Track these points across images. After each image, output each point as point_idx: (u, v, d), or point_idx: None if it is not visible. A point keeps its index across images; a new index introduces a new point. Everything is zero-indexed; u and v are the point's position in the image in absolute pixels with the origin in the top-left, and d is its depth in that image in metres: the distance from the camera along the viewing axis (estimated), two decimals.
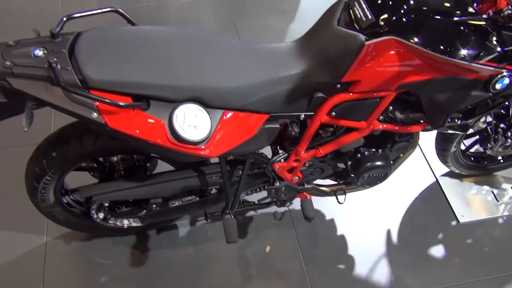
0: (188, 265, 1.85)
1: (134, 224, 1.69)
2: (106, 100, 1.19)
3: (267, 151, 1.60)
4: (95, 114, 1.21)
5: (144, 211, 1.64)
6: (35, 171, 1.51)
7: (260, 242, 1.93)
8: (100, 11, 1.38)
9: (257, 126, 1.39)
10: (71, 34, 1.29)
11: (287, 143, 1.60)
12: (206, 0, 2.99)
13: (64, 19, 1.31)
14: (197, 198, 1.68)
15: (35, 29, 1.36)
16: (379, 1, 1.32)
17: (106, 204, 1.64)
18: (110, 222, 1.68)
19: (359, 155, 1.65)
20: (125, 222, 1.68)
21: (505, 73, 1.30)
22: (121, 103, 1.20)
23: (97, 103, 1.20)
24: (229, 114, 1.34)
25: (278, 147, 1.66)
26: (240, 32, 2.78)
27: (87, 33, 1.30)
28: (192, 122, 1.28)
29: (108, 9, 1.39)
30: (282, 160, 1.60)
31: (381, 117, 1.51)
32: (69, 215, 1.74)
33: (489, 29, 1.27)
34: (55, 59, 1.17)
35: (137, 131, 1.24)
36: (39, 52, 1.22)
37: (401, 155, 1.73)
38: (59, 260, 1.85)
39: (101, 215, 1.66)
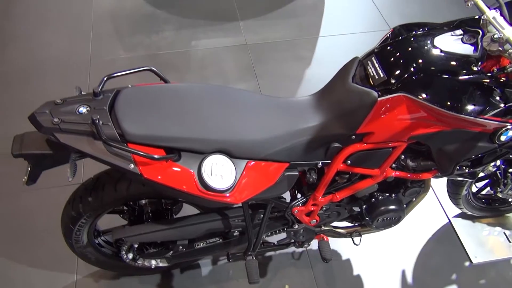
0: None
1: (161, 264, 1.79)
2: (142, 153, 1.31)
3: (286, 194, 1.71)
4: (131, 166, 1.33)
5: (171, 252, 1.74)
6: (71, 214, 1.63)
7: (279, 281, 2.01)
8: (136, 70, 1.52)
9: (278, 174, 1.50)
10: (111, 92, 1.43)
11: (305, 188, 1.70)
12: (227, 48, 3.15)
13: (105, 78, 1.45)
14: (221, 240, 1.78)
15: (77, 86, 1.51)
16: (391, 60, 1.44)
17: (136, 245, 1.75)
18: (138, 262, 1.79)
19: (373, 199, 1.74)
20: (153, 263, 1.78)
21: (509, 127, 1.40)
22: (156, 156, 1.32)
23: (134, 155, 1.32)
24: (252, 163, 1.45)
25: (296, 191, 1.77)
26: (259, 78, 2.93)
27: (125, 91, 1.44)
28: (219, 172, 1.39)
29: (144, 68, 1.54)
30: (300, 205, 1.70)
31: (393, 165, 1.61)
32: (100, 255, 1.85)
33: (493, 86, 1.38)
34: (98, 116, 1.30)
35: (169, 181, 1.36)
36: (83, 110, 1.36)
37: (414, 199, 1.81)
38: None
39: (131, 255, 1.77)
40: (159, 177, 1.35)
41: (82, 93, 1.49)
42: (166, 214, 1.78)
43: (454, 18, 1.54)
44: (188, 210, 1.74)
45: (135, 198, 1.65)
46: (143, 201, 1.76)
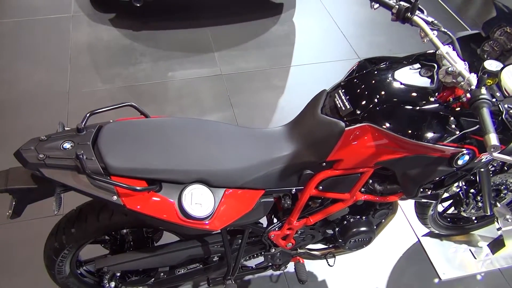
0: None
1: None
2: (124, 185, 1.38)
3: (263, 220, 1.79)
4: (115, 197, 1.40)
5: (153, 279, 1.80)
6: (54, 246, 1.68)
7: None
8: (117, 106, 1.61)
9: (254, 201, 1.59)
10: (93, 127, 1.51)
11: (280, 213, 1.79)
12: (202, 78, 3.26)
13: (88, 115, 1.53)
14: (201, 266, 1.84)
15: (60, 122, 1.59)
16: (356, 93, 1.56)
17: (118, 274, 1.79)
18: None
19: (345, 222, 1.84)
20: None
21: (464, 151, 1.52)
22: (138, 188, 1.39)
23: (117, 187, 1.39)
24: (230, 191, 1.54)
25: (272, 216, 1.85)
26: (235, 107, 3.03)
27: (107, 127, 1.51)
28: (198, 201, 1.47)
29: (124, 104, 1.62)
30: (276, 229, 1.78)
31: (362, 189, 1.72)
32: (82, 285, 1.88)
33: (449, 115, 1.50)
34: (82, 151, 1.37)
35: (151, 210, 1.43)
36: (67, 145, 1.43)
37: (383, 220, 1.92)
38: None
39: (113, 284, 1.81)
40: (141, 207, 1.42)
41: (66, 128, 1.56)
42: (147, 242, 1.84)
43: (415, 47, 1.68)
44: (168, 238, 1.81)
45: (117, 227, 1.71)
46: (125, 231, 1.82)
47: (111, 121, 1.56)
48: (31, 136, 1.47)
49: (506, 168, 2.08)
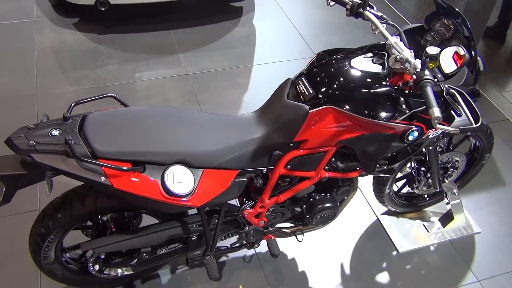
0: None
1: (126, 273, 1.95)
2: (112, 166, 1.51)
3: (236, 202, 1.94)
4: (103, 178, 1.52)
5: (136, 260, 1.91)
6: (41, 231, 1.77)
7: (233, 282, 2.22)
8: (100, 97, 1.72)
9: (229, 180, 1.74)
10: (78, 116, 1.62)
11: (252, 193, 1.95)
12: (169, 79, 3.39)
13: (73, 104, 1.64)
14: (181, 245, 1.97)
15: (45, 113, 1.69)
16: (318, 79, 1.74)
17: (102, 256, 1.90)
18: (105, 273, 1.93)
19: (311, 199, 2.01)
20: (119, 271, 1.94)
21: (414, 128, 1.73)
22: (124, 168, 1.52)
23: (104, 168, 1.52)
24: (208, 172, 1.69)
25: (244, 199, 2.00)
26: (202, 104, 3.18)
27: (91, 115, 1.63)
28: (180, 180, 1.61)
29: (106, 95, 1.74)
30: (250, 208, 1.94)
31: (326, 167, 1.90)
32: (65, 271, 1.97)
33: (399, 97, 1.71)
34: (70, 137, 1.49)
35: (137, 189, 1.56)
36: (55, 132, 1.54)
37: (346, 197, 2.11)
38: None
39: (97, 267, 1.91)
40: (128, 187, 1.54)
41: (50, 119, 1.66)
42: (128, 227, 1.96)
43: (366, 44, 1.88)
44: (146, 223, 1.92)
45: (101, 212, 1.82)
46: (106, 217, 1.92)
47: (93, 111, 1.68)
48: (1, 137, 1.57)
49: (451, 148, 2.32)
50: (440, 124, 1.48)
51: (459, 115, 1.60)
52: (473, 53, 1.65)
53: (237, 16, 4.10)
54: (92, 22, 3.87)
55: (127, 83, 3.32)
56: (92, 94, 3.19)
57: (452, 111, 1.73)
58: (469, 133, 1.50)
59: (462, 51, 1.59)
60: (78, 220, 1.78)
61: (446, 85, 1.61)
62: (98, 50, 3.61)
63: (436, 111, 1.45)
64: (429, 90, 1.50)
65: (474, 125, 1.52)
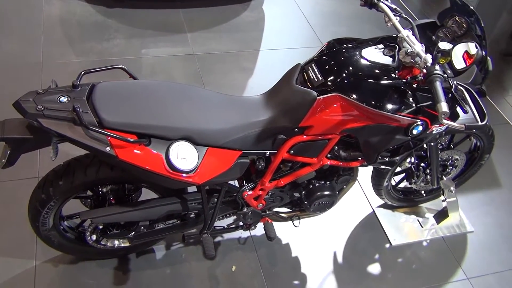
0: (165, 283, 2.13)
1: (122, 245, 1.97)
2: (118, 136, 1.51)
3: (235, 184, 1.96)
4: (108, 148, 1.53)
5: (133, 232, 1.93)
6: (41, 197, 1.78)
7: (226, 263, 2.24)
8: (109, 67, 1.73)
9: (232, 160, 1.75)
10: (87, 85, 1.63)
11: (253, 175, 1.96)
12: (175, 57, 3.38)
13: (83, 73, 1.65)
14: (178, 221, 1.99)
15: (53, 79, 1.69)
16: (327, 67, 1.75)
17: (100, 227, 1.91)
18: (102, 243, 1.95)
19: (311, 186, 2.03)
20: (116, 243, 1.96)
21: (419, 122, 1.75)
22: (130, 139, 1.53)
23: (110, 138, 1.52)
24: (212, 150, 1.70)
25: (244, 181, 2.02)
26: (206, 85, 3.18)
27: (100, 85, 1.64)
28: (184, 156, 1.62)
29: (116, 66, 1.74)
30: (250, 189, 1.96)
31: (328, 155, 1.92)
32: (62, 239, 1.99)
33: (407, 90, 1.72)
34: (78, 104, 1.50)
35: (141, 162, 1.57)
36: (64, 99, 1.55)
37: (345, 186, 2.13)
38: (48, 281, 2.07)
39: (94, 237, 1.93)
40: (132, 158, 1.56)
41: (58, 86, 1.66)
42: (127, 199, 1.97)
43: (375, 36, 1.89)
44: (146, 197, 1.94)
45: (103, 182, 1.83)
46: (106, 189, 1.93)
47: (102, 81, 1.68)
48: (5, 105, 1.56)
49: (452, 146, 2.34)
50: (446, 119, 1.50)
51: (465, 113, 1.62)
52: (483, 52, 1.65)
53: (247, 0, 4.08)
54: None
55: (133, 59, 3.31)
56: (98, 66, 3.18)
57: (458, 108, 1.75)
58: (473, 130, 1.51)
59: (473, 49, 1.60)
60: (79, 189, 1.79)
61: (455, 82, 1.62)
62: (106, 23, 3.59)
63: (444, 106, 1.47)
64: (438, 85, 1.52)
65: (480, 123, 1.53)
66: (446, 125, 1.53)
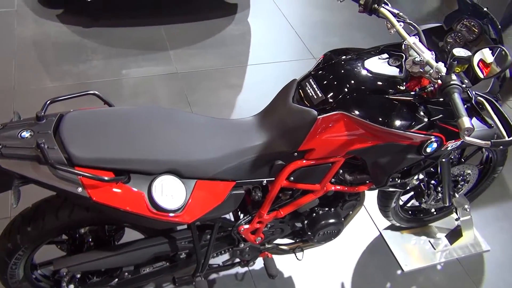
0: None
1: None
2: (91, 175, 1.29)
3: (229, 215, 1.74)
4: (80, 189, 1.31)
5: (116, 279, 1.70)
6: (7, 247, 1.55)
7: None
8: (80, 94, 1.51)
9: (225, 193, 1.54)
10: (54, 116, 1.41)
11: (249, 206, 1.75)
12: (158, 77, 3.17)
13: (48, 102, 1.43)
14: (167, 264, 1.77)
15: (16, 111, 1.47)
16: (328, 82, 1.55)
17: (78, 276, 1.68)
18: None
19: (314, 214, 1.82)
20: None
21: (433, 139, 1.55)
22: (105, 178, 1.31)
23: (82, 178, 1.30)
24: (201, 183, 1.48)
25: (239, 212, 1.81)
26: (193, 105, 2.97)
27: (69, 115, 1.42)
28: (169, 192, 1.41)
29: (87, 92, 1.53)
30: (246, 223, 1.74)
31: (332, 179, 1.71)
32: None
33: (417, 103, 1.53)
34: (43, 140, 1.28)
35: (120, 202, 1.35)
36: (26, 134, 1.33)
37: (351, 212, 1.93)
38: None
39: (72, 286, 1.69)
40: (109, 199, 1.34)
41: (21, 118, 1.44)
42: (108, 241, 1.74)
43: (366, 46, 1.70)
44: (130, 237, 1.71)
45: (78, 225, 1.61)
46: (83, 230, 1.71)
47: (72, 110, 1.47)
48: None
49: (463, 160, 2.15)
50: (470, 135, 1.30)
51: (490, 127, 1.42)
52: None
53: (232, 13, 3.91)
54: (77, 14, 3.64)
55: (113, 80, 3.10)
56: (75, 91, 2.95)
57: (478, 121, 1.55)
58: (500, 147, 1.32)
59: (490, 57, 1.42)
60: (51, 235, 1.57)
61: (474, 92, 1.44)
62: (82, 44, 3.38)
63: (466, 121, 1.27)
64: (457, 97, 1.33)
65: (508, 138, 1.34)
66: (470, 143, 1.33)
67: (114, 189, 1.34)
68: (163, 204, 1.38)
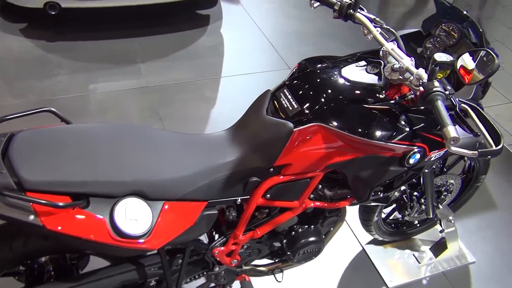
0: None
1: None
2: (44, 202, 1.16)
3: (202, 236, 1.61)
4: (32, 217, 1.17)
5: None
6: None
7: None
8: (34, 111, 1.38)
9: (196, 214, 1.42)
10: (3, 136, 1.27)
11: (224, 227, 1.63)
12: (128, 91, 3.04)
13: None
14: None
15: None
16: (303, 92, 1.46)
17: None
18: None
19: (293, 232, 1.71)
20: None
21: (415, 150, 1.47)
22: (60, 204, 1.18)
23: (34, 205, 1.17)
24: (169, 205, 1.36)
25: (214, 232, 1.69)
26: (164, 120, 2.84)
27: (20, 135, 1.28)
28: (134, 216, 1.28)
29: (42, 109, 1.40)
30: (221, 245, 1.62)
31: (311, 195, 1.61)
32: None
33: (398, 112, 1.45)
34: None
35: (77, 230, 1.22)
36: None
37: (332, 229, 1.82)
38: None
39: None
40: (65, 227, 1.20)
41: None
42: (71, 270, 1.60)
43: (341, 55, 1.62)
44: (95, 264, 1.57)
45: (35, 255, 1.46)
46: (43, 259, 1.57)
47: (24, 129, 1.33)
48: None
49: (445, 170, 2.08)
50: (456, 145, 1.22)
51: (476, 136, 1.34)
52: (497, 59, 1.39)
53: (204, 25, 3.81)
54: (42, 28, 3.49)
55: (79, 96, 2.95)
56: (38, 107, 2.81)
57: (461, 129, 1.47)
58: (488, 157, 1.24)
59: (471, 64, 1.34)
60: (5, 267, 1.42)
61: (457, 99, 1.36)
62: (47, 59, 3.22)
63: (452, 131, 1.19)
64: (440, 105, 1.24)
65: (495, 148, 1.26)
66: (456, 153, 1.25)
67: (71, 216, 1.21)
68: (126, 230, 1.25)
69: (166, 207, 1.35)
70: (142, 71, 3.23)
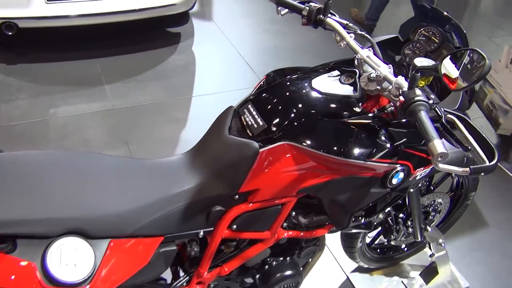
0: None
1: None
2: None
3: (167, 274, 1.42)
4: None
5: None
6: None
7: None
8: None
9: (151, 252, 1.23)
10: None
11: (187, 264, 1.43)
12: (91, 114, 2.84)
13: None
14: None
15: None
16: (270, 107, 1.30)
17: None
18: None
19: (267, 266, 1.52)
20: None
21: (398, 168, 1.30)
22: None
23: None
24: (117, 243, 1.17)
25: (178, 268, 1.49)
26: (131, 144, 2.64)
27: None
28: (71, 260, 1.08)
29: None
30: (184, 284, 1.42)
31: (285, 224, 1.43)
32: None
33: (377, 126, 1.28)
34: None
35: (1, 281, 1.01)
36: None
37: (310, 259, 1.64)
38: None
39: None
40: None
41: None
42: None
43: None
44: None
45: None
46: None
47: None
48: None
49: (432, 188, 1.91)
50: (444, 162, 1.05)
51: (466, 150, 1.18)
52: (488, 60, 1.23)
53: (174, 43, 3.65)
54: (1, 50, 3.29)
55: (39, 121, 2.74)
56: None
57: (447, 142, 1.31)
58: (482, 174, 1.08)
59: (454, 72, 1.18)
60: None
61: (442, 109, 1.21)
62: (5, 82, 3.02)
63: (439, 145, 1.03)
64: (424, 116, 1.08)
65: (488, 164, 1.10)
66: (443, 171, 1.08)
67: None
68: (61, 277, 1.06)
69: (112, 246, 1.15)
70: (107, 92, 3.04)
